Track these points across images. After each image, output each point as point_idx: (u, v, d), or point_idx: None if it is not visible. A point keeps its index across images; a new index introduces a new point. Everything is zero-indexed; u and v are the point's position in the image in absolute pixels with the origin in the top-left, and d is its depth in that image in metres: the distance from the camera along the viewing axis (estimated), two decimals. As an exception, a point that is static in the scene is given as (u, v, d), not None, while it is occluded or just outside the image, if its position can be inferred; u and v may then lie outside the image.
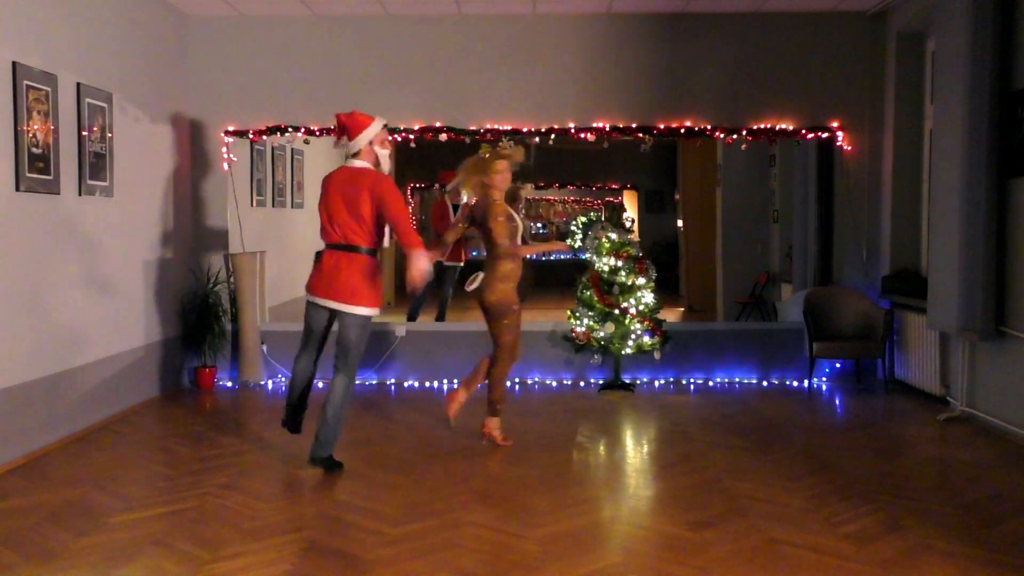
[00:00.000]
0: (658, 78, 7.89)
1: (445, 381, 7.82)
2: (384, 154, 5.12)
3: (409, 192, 16.09)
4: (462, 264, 9.51)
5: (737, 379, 7.87)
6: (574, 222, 22.30)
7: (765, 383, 7.80)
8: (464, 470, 5.15)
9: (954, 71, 6.06)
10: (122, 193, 6.58)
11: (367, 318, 5.02)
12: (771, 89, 7.87)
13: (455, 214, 10.24)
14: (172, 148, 7.55)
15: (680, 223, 13.72)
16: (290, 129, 7.80)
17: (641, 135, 7.79)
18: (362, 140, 5.04)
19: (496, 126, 7.78)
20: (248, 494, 4.67)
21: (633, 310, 7.38)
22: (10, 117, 5.21)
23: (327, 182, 5.09)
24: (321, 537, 4.07)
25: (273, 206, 9.36)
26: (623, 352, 7.47)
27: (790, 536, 4.04)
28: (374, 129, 5.06)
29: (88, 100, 6.07)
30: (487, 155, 5.49)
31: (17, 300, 5.31)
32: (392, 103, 7.83)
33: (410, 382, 7.86)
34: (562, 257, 21.65)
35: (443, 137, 7.77)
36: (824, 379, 7.83)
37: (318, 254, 5.09)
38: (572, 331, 7.57)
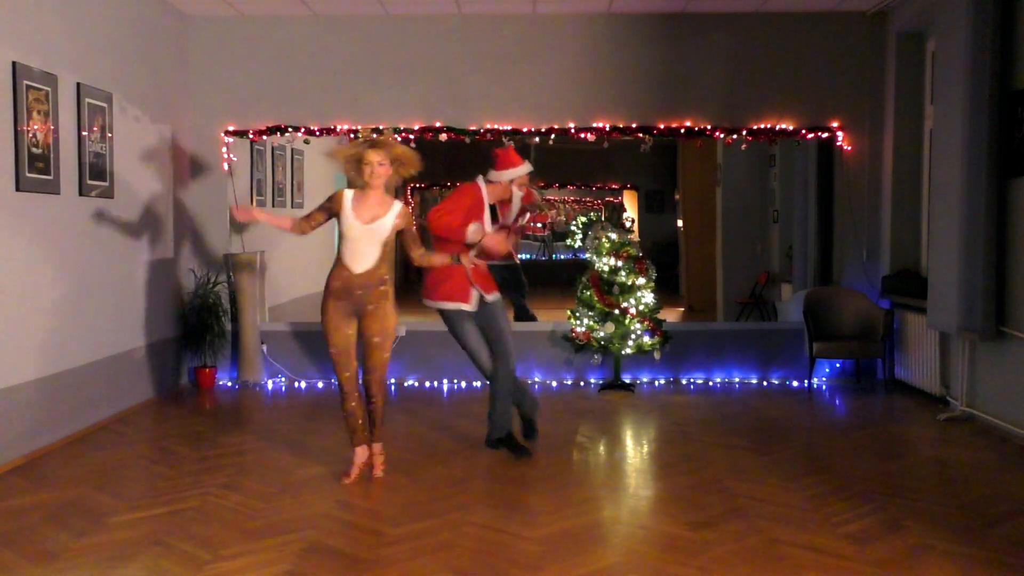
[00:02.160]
0: (658, 78, 7.89)
1: (445, 381, 7.82)
2: (518, 195, 5.38)
3: (409, 192, 16.11)
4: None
5: (737, 379, 7.87)
6: (574, 222, 22.36)
7: (765, 383, 7.80)
8: (464, 470, 5.15)
9: (954, 71, 6.06)
10: (122, 193, 6.58)
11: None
12: (771, 89, 7.87)
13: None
14: (172, 148, 7.55)
15: (680, 223, 13.73)
16: (290, 129, 7.80)
17: (641, 135, 7.79)
18: (503, 176, 5.30)
19: (496, 126, 7.78)
20: (248, 494, 4.67)
21: (633, 310, 7.38)
22: (10, 117, 5.21)
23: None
24: (321, 537, 4.07)
25: (273, 206, 9.35)
26: (623, 352, 7.47)
27: (790, 536, 4.04)
28: (518, 171, 5.31)
29: (88, 100, 6.07)
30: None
31: (17, 300, 5.31)
32: (392, 103, 7.85)
33: (410, 382, 7.86)
34: (562, 257, 21.67)
35: (443, 137, 7.77)
36: (824, 379, 7.83)
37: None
38: (572, 331, 7.57)
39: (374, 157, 4.65)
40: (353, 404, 4.87)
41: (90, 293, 6.14)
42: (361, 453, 4.92)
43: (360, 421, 4.89)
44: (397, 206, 4.77)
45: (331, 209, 4.78)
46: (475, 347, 5.29)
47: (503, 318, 5.34)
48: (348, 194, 4.74)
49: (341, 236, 4.75)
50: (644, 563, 3.77)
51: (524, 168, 5.34)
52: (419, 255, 4.91)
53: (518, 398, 5.50)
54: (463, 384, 7.78)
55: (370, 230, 4.69)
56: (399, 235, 4.87)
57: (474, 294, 5.21)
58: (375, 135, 4.77)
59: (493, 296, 5.32)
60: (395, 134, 4.78)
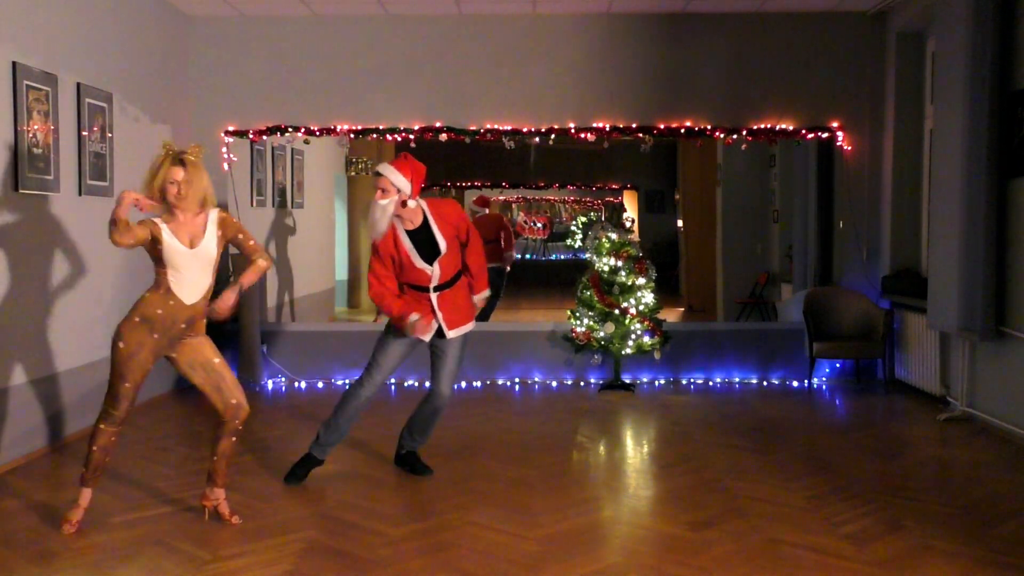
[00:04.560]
0: (658, 78, 7.89)
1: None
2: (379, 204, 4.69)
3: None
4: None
5: (737, 379, 7.87)
6: (574, 222, 22.33)
7: (765, 383, 7.80)
8: (464, 470, 5.15)
9: (954, 71, 6.06)
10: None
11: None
12: (771, 89, 7.87)
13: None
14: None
15: (680, 223, 13.73)
16: (290, 129, 7.80)
17: (641, 135, 7.79)
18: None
19: (496, 126, 7.78)
20: (248, 494, 4.67)
21: (633, 310, 7.39)
22: (10, 117, 5.21)
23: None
24: (321, 537, 4.07)
25: (273, 206, 9.36)
26: (623, 352, 7.47)
27: (790, 536, 4.04)
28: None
29: (88, 100, 6.07)
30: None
31: (16, 300, 5.31)
32: (392, 103, 7.85)
33: (410, 382, 7.86)
34: (561, 257, 21.66)
35: (443, 137, 7.77)
36: (824, 379, 7.83)
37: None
38: (572, 331, 7.57)
39: (178, 175, 3.96)
40: (114, 439, 4.15)
41: (90, 293, 6.13)
42: (87, 495, 4.19)
43: (107, 458, 4.19)
44: (213, 215, 4.10)
45: (149, 231, 3.98)
46: (383, 365, 4.78)
47: (456, 354, 4.87)
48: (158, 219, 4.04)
49: (164, 263, 4.01)
50: (644, 563, 3.77)
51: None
52: (254, 260, 4.22)
53: (423, 428, 5.08)
54: (463, 384, 7.78)
55: (196, 256, 4.04)
56: (233, 244, 4.20)
57: (433, 326, 4.75)
58: (180, 151, 4.02)
59: (455, 332, 4.81)
60: (200, 152, 4.09)
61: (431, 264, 4.72)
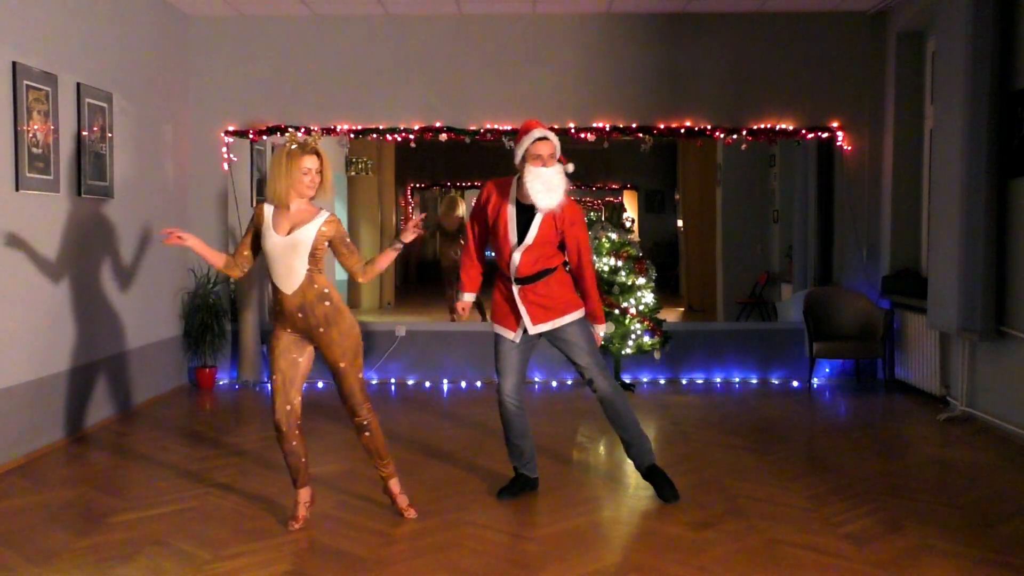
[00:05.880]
0: (658, 78, 7.89)
1: (445, 381, 7.82)
2: (533, 174, 4.26)
3: (409, 192, 16.11)
4: None
5: (737, 379, 7.87)
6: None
7: (765, 383, 7.80)
8: (464, 470, 5.15)
9: (954, 71, 6.06)
10: (122, 193, 6.58)
11: None
12: (771, 89, 7.87)
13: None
14: (172, 148, 7.55)
15: (680, 223, 13.73)
16: (290, 129, 7.79)
17: (641, 135, 7.80)
18: (517, 154, 4.38)
19: (496, 126, 7.78)
20: (248, 494, 4.67)
21: (633, 310, 7.39)
22: (10, 117, 5.22)
23: None
24: (321, 537, 4.07)
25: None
26: (623, 352, 7.47)
27: (790, 536, 4.04)
28: (525, 141, 4.32)
29: (88, 100, 6.07)
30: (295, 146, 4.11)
31: (16, 300, 5.31)
32: (392, 103, 7.85)
33: (410, 382, 7.86)
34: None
35: (443, 137, 7.78)
36: (824, 379, 7.83)
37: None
38: (572, 331, 7.56)
39: (312, 164, 4.05)
40: (295, 443, 4.18)
41: (90, 293, 6.14)
42: (305, 494, 4.27)
43: (303, 460, 4.23)
44: (324, 214, 4.10)
45: (254, 226, 4.15)
46: (502, 370, 4.55)
47: (583, 344, 4.51)
48: (268, 207, 4.10)
49: (265, 255, 4.11)
50: (644, 563, 3.77)
51: (530, 135, 4.29)
52: (360, 268, 4.22)
53: (618, 429, 4.66)
54: (463, 384, 7.78)
55: (290, 242, 4.03)
56: (332, 249, 4.18)
57: (522, 324, 4.47)
58: (306, 138, 4.09)
59: (539, 328, 4.46)
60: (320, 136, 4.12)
61: (519, 245, 4.39)
